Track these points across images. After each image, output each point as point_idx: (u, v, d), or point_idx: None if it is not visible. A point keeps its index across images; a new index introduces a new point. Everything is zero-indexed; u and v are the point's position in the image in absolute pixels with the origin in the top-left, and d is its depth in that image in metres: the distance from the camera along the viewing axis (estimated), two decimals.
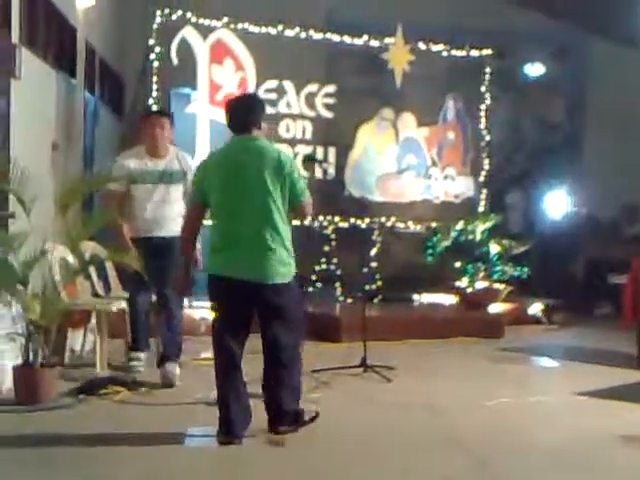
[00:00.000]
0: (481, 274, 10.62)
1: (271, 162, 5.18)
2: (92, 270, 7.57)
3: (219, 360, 5.26)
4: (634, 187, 12.51)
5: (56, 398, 5.95)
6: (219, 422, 5.12)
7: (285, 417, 5.24)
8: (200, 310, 9.09)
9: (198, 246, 6.10)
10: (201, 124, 10.01)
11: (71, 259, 6.85)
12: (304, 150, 10.41)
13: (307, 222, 7.45)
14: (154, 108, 9.60)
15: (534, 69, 13.58)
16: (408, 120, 11.22)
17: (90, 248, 7.40)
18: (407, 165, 11.17)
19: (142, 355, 7.06)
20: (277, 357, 5.22)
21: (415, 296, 10.94)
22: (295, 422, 5.27)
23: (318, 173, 10.32)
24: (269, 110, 10.20)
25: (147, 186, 6.83)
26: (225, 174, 5.25)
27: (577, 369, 8.11)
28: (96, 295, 7.60)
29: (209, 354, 7.79)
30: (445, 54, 11.31)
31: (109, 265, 7.88)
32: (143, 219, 6.84)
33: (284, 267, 5.19)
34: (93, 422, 5.55)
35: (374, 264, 10.53)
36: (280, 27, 10.37)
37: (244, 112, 5.42)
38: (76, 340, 7.41)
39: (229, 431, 5.08)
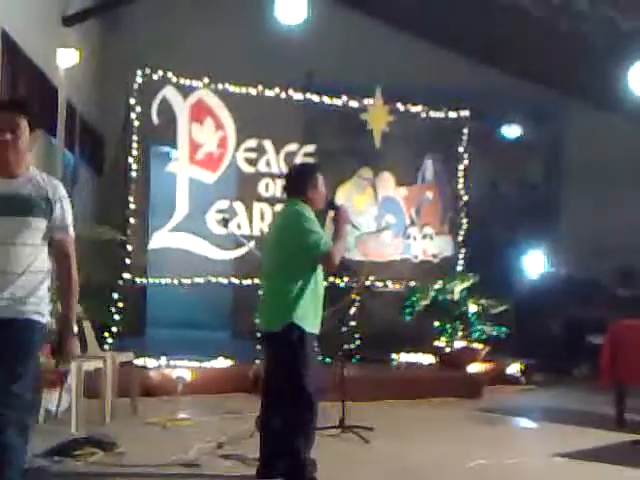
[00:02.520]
0: (460, 333, 10.62)
1: (283, 222, 5.66)
2: None
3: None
4: (612, 247, 12.62)
5: (30, 459, 5.85)
6: None
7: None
8: (177, 369, 9.05)
9: None
10: (181, 183, 10.03)
11: (48, 318, 6.80)
12: None
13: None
14: (134, 166, 9.63)
15: (512, 130, 13.75)
16: (387, 180, 11.29)
17: None
18: (386, 224, 11.21)
19: None
20: None
21: (394, 356, 10.90)
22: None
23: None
24: (248, 169, 10.36)
25: None
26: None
27: (556, 430, 8.09)
28: None
29: (185, 414, 7.82)
30: (424, 115, 11.42)
31: (86, 324, 7.83)
32: None
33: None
34: None
35: (353, 323, 10.51)
36: (260, 87, 10.46)
37: (287, 180, 5.91)
38: (51, 400, 7.31)
39: None
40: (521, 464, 6.55)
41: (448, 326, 10.63)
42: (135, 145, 9.71)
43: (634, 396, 8.34)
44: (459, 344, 10.58)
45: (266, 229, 10.40)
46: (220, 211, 10.08)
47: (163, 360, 9.26)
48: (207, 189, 10.16)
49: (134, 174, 9.68)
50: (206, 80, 10.17)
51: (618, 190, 13.01)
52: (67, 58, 9.51)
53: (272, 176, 10.55)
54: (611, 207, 12.90)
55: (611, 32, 11.17)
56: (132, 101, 9.74)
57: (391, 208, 11.29)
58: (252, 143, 10.47)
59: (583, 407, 9.17)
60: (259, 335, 5.80)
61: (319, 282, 5.52)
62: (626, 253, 12.55)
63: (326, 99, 10.94)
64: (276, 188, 10.54)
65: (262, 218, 10.41)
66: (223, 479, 5.67)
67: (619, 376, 8.11)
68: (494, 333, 10.64)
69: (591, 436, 7.61)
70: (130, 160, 9.69)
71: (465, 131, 11.67)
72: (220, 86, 10.26)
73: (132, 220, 9.63)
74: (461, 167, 11.66)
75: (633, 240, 12.56)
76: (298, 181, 5.71)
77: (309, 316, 5.43)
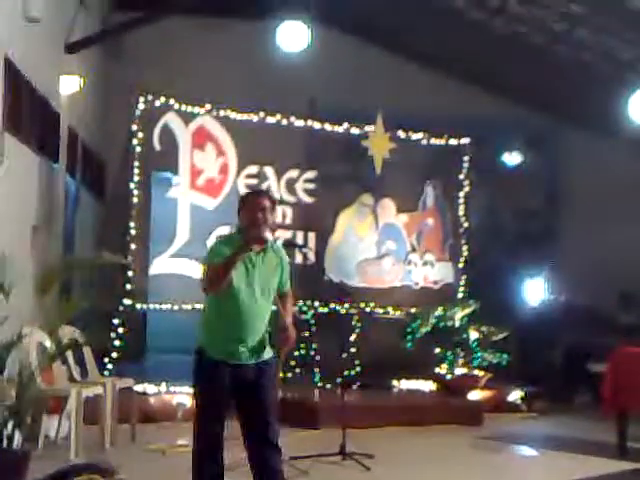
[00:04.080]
0: (460, 360, 10.59)
1: None
2: (69, 354, 7.51)
3: None
4: (613, 274, 12.62)
5: None
6: None
7: None
8: (177, 395, 9.03)
9: None
10: (182, 209, 10.05)
11: (48, 344, 6.81)
12: (284, 235, 10.44)
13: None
14: (135, 192, 9.65)
15: (512, 157, 13.79)
16: (388, 206, 11.30)
17: (68, 332, 7.37)
18: (387, 251, 11.22)
19: None
20: None
21: (394, 382, 10.87)
22: None
23: (298, 258, 10.33)
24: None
25: None
26: None
27: (557, 458, 8.06)
28: (72, 380, 7.52)
29: (185, 441, 7.78)
30: (424, 142, 11.46)
31: (86, 350, 7.83)
32: None
33: None
34: None
35: (353, 350, 10.49)
36: (262, 114, 10.50)
37: None
38: (51, 426, 7.29)
39: None
40: None
41: (449, 353, 10.61)
42: (136, 171, 9.73)
43: (636, 424, 8.32)
44: (460, 371, 10.55)
45: None
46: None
47: (163, 386, 9.24)
48: (208, 215, 10.16)
49: (135, 199, 9.70)
50: (208, 107, 10.21)
51: (618, 217, 13.01)
52: (69, 85, 9.57)
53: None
54: (611, 234, 12.89)
55: (611, 61, 11.25)
56: (134, 127, 9.77)
57: (392, 234, 11.30)
58: (253, 169, 10.49)
59: (585, 435, 9.13)
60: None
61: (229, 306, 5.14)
62: (627, 279, 12.54)
63: (327, 126, 10.97)
64: (277, 215, 10.54)
65: None
66: None
67: (621, 404, 8.08)
68: (495, 360, 10.61)
69: (593, 464, 7.58)
70: (131, 186, 9.70)
71: (466, 158, 11.70)
72: (222, 113, 10.30)
73: (133, 245, 9.63)
74: (462, 194, 11.68)
75: (633, 266, 12.55)
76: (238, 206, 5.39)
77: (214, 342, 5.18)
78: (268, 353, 5.21)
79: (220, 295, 5.07)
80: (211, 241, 9.97)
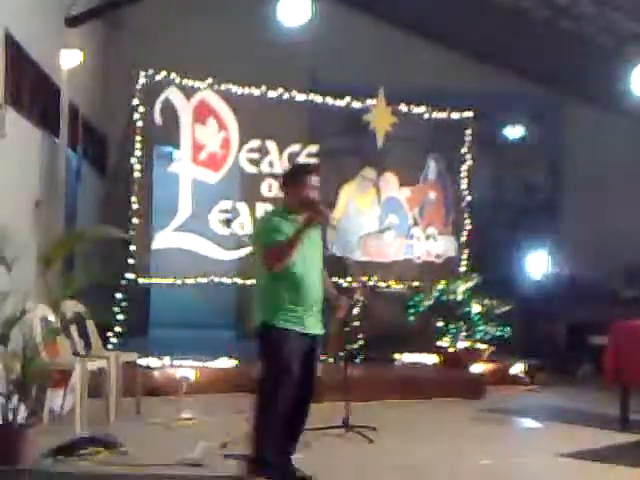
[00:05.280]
0: (463, 334, 10.61)
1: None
2: (73, 328, 7.53)
3: None
4: (615, 247, 12.62)
5: (35, 458, 5.87)
6: None
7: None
8: (181, 369, 9.07)
9: None
10: (183, 183, 10.03)
11: (52, 318, 6.82)
12: None
13: None
14: (136, 167, 9.65)
15: (514, 131, 13.75)
16: (390, 180, 11.28)
17: (71, 307, 7.39)
18: (389, 225, 11.20)
19: None
20: None
21: (397, 356, 10.90)
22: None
23: None
24: (251, 170, 10.37)
25: None
26: None
27: (559, 430, 8.09)
28: (76, 354, 7.54)
29: (188, 414, 7.83)
30: (426, 116, 11.42)
31: (90, 323, 7.85)
32: None
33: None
34: None
35: (356, 324, 10.51)
36: (263, 88, 10.46)
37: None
38: (56, 399, 7.31)
39: None
40: (526, 464, 6.56)
41: (451, 326, 10.63)
42: (138, 145, 9.72)
43: (638, 396, 8.34)
44: (462, 344, 10.58)
45: None
46: (223, 211, 10.09)
47: (167, 360, 9.27)
48: (210, 189, 10.16)
49: (137, 174, 9.70)
50: (209, 81, 10.17)
51: (621, 190, 13.01)
52: (70, 59, 9.51)
53: (275, 177, 10.53)
54: (614, 207, 12.90)
55: (614, 33, 11.19)
56: (135, 102, 9.74)
57: (394, 208, 11.28)
58: (255, 144, 10.46)
59: (587, 407, 9.17)
60: None
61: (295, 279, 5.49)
62: (629, 253, 12.55)
63: (329, 100, 10.94)
64: (279, 189, 10.52)
65: None
66: (227, 479, 5.66)
67: (623, 377, 8.09)
68: (497, 333, 10.64)
69: (595, 436, 7.61)
70: (133, 160, 9.70)
71: (468, 132, 11.66)
72: (223, 87, 10.26)
73: (135, 220, 9.64)
74: (464, 168, 11.66)
75: (636, 240, 12.56)
76: (283, 182, 5.85)
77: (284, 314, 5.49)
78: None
79: (282, 269, 5.41)
80: (214, 215, 10.03)
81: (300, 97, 10.75)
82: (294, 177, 5.72)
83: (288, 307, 5.46)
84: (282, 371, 5.39)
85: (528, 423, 8.73)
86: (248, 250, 9.56)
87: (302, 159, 10.68)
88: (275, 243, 5.40)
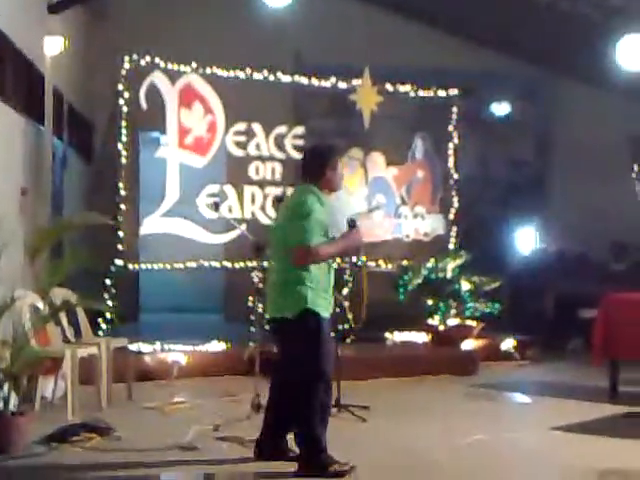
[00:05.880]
0: (453, 311, 10.64)
1: (287, 207, 5.62)
2: (62, 316, 7.53)
3: None
4: (603, 222, 12.67)
5: (27, 446, 5.88)
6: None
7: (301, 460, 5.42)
8: (171, 354, 9.08)
9: None
10: (170, 168, 10.01)
11: (41, 306, 6.82)
12: (274, 191, 10.42)
13: None
14: (123, 153, 9.63)
15: (501, 108, 13.76)
16: (377, 160, 11.28)
17: (60, 294, 7.38)
18: (377, 204, 11.20)
19: None
20: None
21: (388, 335, 10.93)
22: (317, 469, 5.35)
23: None
24: (237, 153, 10.35)
25: None
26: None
27: (551, 404, 8.15)
28: (67, 341, 7.55)
29: (180, 398, 7.85)
30: (412, 94, 11.41)
31: (79, 310, 7.85)
32: None
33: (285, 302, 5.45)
34: (65, 470, 5.49)
35: (346, 304, 10.52)
36: (248, 70, 10.43)
37: (305, 160, 5.81)
38: (47, 387, 7.33)
39: None
40: (518, 438, 6.59)
41: (441, 304, 10.65)
42: (124, 131, 9.68)
43: (627, 369, 8.41)
44: (452, 322, 10.61)
45: (257, 212, 10.43)
46: (211, 195, 10.07)
47: (157, 345, 9.28)
48: (197, 173, 10.14)
49: (123, 160, 9.66)
50: (194, 65, 10.13)
51: (608, 165, 13.02)
52: (54, 46, 9.47)
53: (262, 159, 10.53)
54: (601, 182, 12.92)
55: (600, 7, 11.16)
56: (120, 87, 9.70)
57: (381, 188, 11.29)
58: (241, 126, 10.44)
59: (577, 381, 9.24)
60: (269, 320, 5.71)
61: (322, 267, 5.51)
62: (616, 228, 12.61)
63: (315, 81, 10.91)
64: (266, 171, 10.54)
65: (253, 201, 10.41)
66: (220, 461, 5.68)
67: (612, 350, 8.15)
68: (487, 310, 10.66)
69: (585, 409, 7.67)
70: (119, 146, 9.66)
71: (454, 110, 11.65)
72: (208, 70, 10.22)
73: (123, 206, 9.61)
74: (451, 146, 11.66)
75: (623, 214, 12.60)
76: (316, 162, 5.63)
77: (320, 301, 5.46)
78: None
79: None
80: (202, 199, 10.02)
81: (285, 79, 10.73)
82: (329, 160, 5.62)
83: (322, 293, 5.48)
84: (327, 355, 5.45)
85: (519, 398, 8.78)
86: (236, 234, 9.54)
87: (289, 141, 10.68)
88: (319, 249, 5.35)
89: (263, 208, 10.44)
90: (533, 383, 9.54)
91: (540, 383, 9.49)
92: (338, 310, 9.64)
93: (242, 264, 9.84)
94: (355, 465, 5.40)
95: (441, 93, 11.57)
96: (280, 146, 10.66)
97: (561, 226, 12.89)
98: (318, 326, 5.42)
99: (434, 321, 10.64)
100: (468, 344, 10.52)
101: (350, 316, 10.56)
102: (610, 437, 6.59)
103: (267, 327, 5.85)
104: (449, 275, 10.81)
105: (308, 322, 5.39)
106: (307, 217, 5.36)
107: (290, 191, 10.52)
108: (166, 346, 9.26)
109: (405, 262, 11.14)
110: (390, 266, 11.12)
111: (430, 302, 10.70)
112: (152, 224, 9.84)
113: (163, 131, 10.07)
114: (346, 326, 10.44)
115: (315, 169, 5.59)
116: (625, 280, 11.03)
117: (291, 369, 5.46)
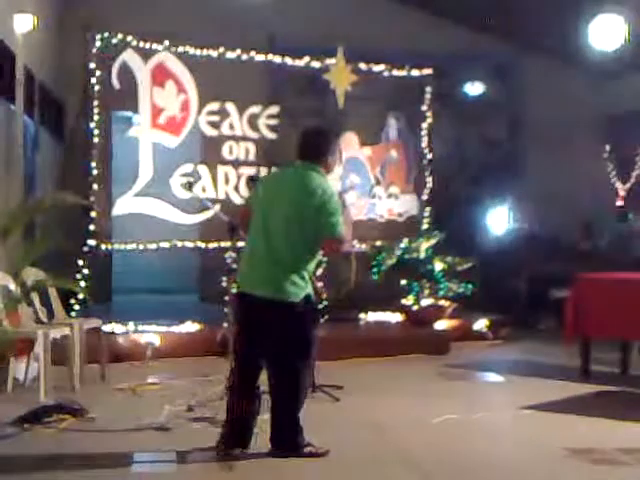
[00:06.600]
0: (426, 291, 10.68)
1: (302, 191, 5.38)
2: (35, 296, 7.49)
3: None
4: (575, 202, 12.75)
5: (0, 427, 5.86)
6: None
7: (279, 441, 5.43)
8: (145, 335, 9.06)
9: None
10: (143, 148, 9.95)
11: (13, 286, 6.78)
12: (248, 172, 10.39)
13: None
14: (95, 132, 9.55)
15: (474, 88, 13.78)
16: (351, 140, 11.25)
17: (32, 274, 7.34)
18: (351, 184, 11.19)
19: None
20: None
21: (361, 315, 10.96)
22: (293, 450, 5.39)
23: None
24: (211, 132, 10.30)
25: None
26: (262, 194, 5.57)
27: (522, 383, 8.19)
28: (39, 322, 7.51)
29: (154, 379, 7.84)
30: (386, 74, 11.40)
31: (52, 291, 7.80)
32: None
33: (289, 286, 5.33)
34: (38, 451, 5.47)
35: (320, 284, 10.52)
36: (222, 49, 10.37)
37: (306, 142, 5.60)
38: (19, 368, 7.30)
39: None
40: (489, 417, 6.64)
41: (415, 284, 10.69)
42: (96, 110, 9.60)
43: (599, 348, 8.49)
44: (426, 302, 10.65)
45: (231, 192, 10.39)
46: (184, 175, 10.02)
47: (131, 326, 9.25)
48: (170, 153, 10.09)
49: (96, 140, 9.58)
50: (167, 43, 10.05)
51: (580, 145, 13.10)
52: (24, 23, 9.35)
53: (236, 139, 10.49)
54: (573, 163, 12.98)
55: None
56: (92, 66, 9.61)
57: (355, 168, 11.28)
58: (215, 106, 10.38)
59: (549, 360, 9.31)
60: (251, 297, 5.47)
61: None
62: (587, 208, 12.70)
63: (289, 60, 10.87)
64: (240, 151, 10.50)
65: (227, 181, 10.38)
66: (194, 442, 5.68)
67: (583, 329, 8.22)
68: (460, 290, 10.71)
69: (557, 388, 7.73)
70: (91, 126, 9.59)
71: (428, 89, 11.66)
72: (181, 49, 10.15)
73: (95, 186, 9.54)
74: (425, 126, 11.68)
75: (595, 195, 12.68)
76: (320, 145, 5.55)
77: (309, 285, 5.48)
78: None
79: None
80: (175, 179, 9.97)
81: (259, 58, 10.68)
82: (332, 144, 5.60)
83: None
84: (316, 339, 5.54)
85: (491, 377, 8.83)
86: (210, 214, 9.50)
87: (263, 121, 10.64)
88: (346, 235, 5.41)
89: (237, 188, 10.41)
90: (505, 362, 9.59)
91: (512, 362, 9.55)
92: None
93: (216, 244, 9.81)
94: (329, 449, 5.43)
95: (414, 73, 11.57)
96: (254, 126, 10.61)
97: (533, 206, 12.94)
98: (314, 310, 5.52)
99: (408, 301, 10.69)
100: (441, 324, 10.57)
101: (324, 296, 10.63)
102: (581, 416, 6.65)
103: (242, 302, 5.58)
104: (422, 255, 10.85)
105: (309, 307, 5.43)
106: (339, 210, 5.38)
107: (265, 171, 10.56)
108: (140, 327, 9.23)
109: (379, 242, 11.16)
110: (364, 246, 11.13)
111: (404, 282, 10.74)
112: (125, 204, 9.78)
113: (136, 110, 9.98)
114: (320, 306, 10.49)
115: (317, 151, 5.52)
116: (594, 260, 11.14)
117: (289, 353, 5.39)
